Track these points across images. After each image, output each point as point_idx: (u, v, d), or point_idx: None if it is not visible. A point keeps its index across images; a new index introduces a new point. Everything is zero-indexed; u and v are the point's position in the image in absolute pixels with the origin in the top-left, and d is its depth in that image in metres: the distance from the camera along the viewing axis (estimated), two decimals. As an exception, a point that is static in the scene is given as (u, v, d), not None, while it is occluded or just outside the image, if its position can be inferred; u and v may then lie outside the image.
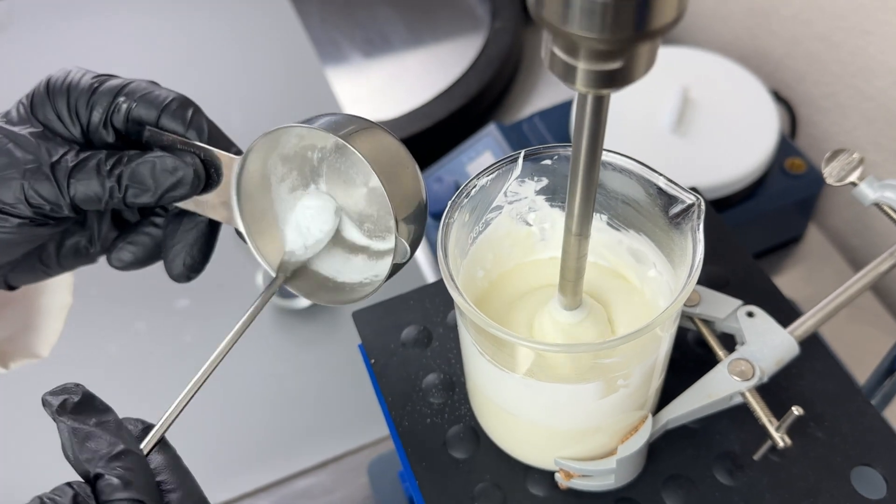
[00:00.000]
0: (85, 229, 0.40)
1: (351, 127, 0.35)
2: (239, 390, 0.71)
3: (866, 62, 0.74)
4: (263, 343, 0.74)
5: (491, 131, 0.75)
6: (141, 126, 0.37)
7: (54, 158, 0.35)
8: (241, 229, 0.38)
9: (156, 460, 0.32)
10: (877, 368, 0.52)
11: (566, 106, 0.76)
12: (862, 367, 0.65)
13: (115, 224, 0.41)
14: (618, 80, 0.24)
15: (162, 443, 0.33)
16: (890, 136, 0.74)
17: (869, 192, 0.45)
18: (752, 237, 0.74)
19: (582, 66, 0.24)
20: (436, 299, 0.49)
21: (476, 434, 0.43)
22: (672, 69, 0.74)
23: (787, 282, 0.75)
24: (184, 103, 0.37)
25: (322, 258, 0.40)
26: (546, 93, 0.89)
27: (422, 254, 0.78)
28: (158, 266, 0.43)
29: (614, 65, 0.24)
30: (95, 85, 0.36)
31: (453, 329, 0.48)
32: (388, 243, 0.39)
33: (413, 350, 0.47)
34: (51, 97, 0.36)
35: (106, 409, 0.32)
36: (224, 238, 0.42)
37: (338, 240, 0.40)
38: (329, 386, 0.70)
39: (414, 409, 0.44)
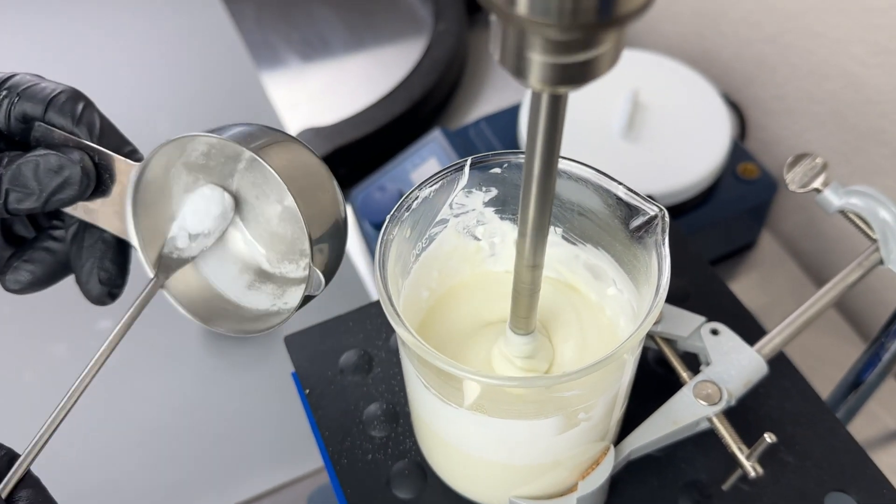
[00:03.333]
0: None
1: (265, 139, 0.31)
2: (164, 419, 0.66)
3: (816, 64, 0.72)
4: (190, 368, 0.69)
5: (436, 137, 0.71)
6: (27, 124, 0.33)
7: None
8: (134, 243, 0.34)
9: (22, 499, 0.28)
10: (841, 382, 0.50)
11: (514, 110, 0.73)
12: (821, 379, 0.63)
13: (7, 241, 0.36)
14: (578, 75, 0.21)
15: (28, 476, 0.29)
16: (841, 139, 0.73)
17: (833, 198, 0.43)
18: (704, 245, 0.71)
19: (536, 58, 0.20)
20: (377, 320, 0.45)
21: (423, 471, 0.39)
22: (621, 72, 0.71)
23: (742, 290, 0.72)
24: (73, 96, 0.33)
25: (226, 280, 0.35)
26: (493, 97, 0.86)
27: (364, 269, 0.73)
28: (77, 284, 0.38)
29: (574, 58, 0.20)
30: None
31: (396, 353, 0.44)
32: (301, 269, 0.35)
33: (352, 377, 0.43)
34: None
35: None
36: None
37: (245, 263, 0.35)
38: (263, 411, 0.65)
39: (354, 445, 0.40)
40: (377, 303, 0.46)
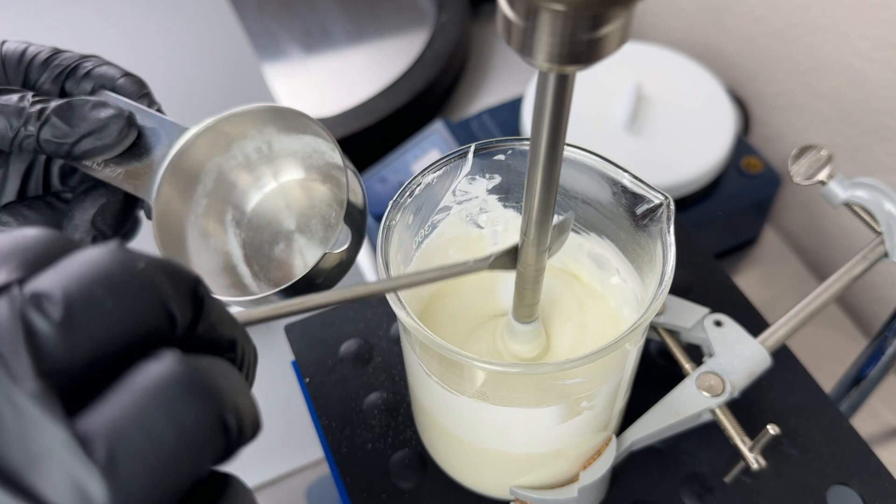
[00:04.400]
0: None
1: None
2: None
3: (820, 60, 0.72)
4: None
5: (438, 129, 0.71)
6: (94, 91, 0.34)
7: None
8: (151, 202, 0.34)
9: None
10: (843, 377, 0.50)
11: (516, 103, 0.72)
12: (822, 375, 0.63)
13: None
14: (585, 54, 0.21)
15: None
16: (844, 135, 0.73)
17: (839, 190, 0.42)
18: (708, 239, 0.71)
19: (543, 36, 0.20)
20: (379, 309, 0.45)
21: (423, 460, 0.39)
22: (625, 64, 0.71)
23: (744, 286, 0.72)
24: (141, 81, 0.35)
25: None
26: (496, 89, 0.86)
27: (364, 259, 0.73)
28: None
29: (582, 36, 0.20)
30: (55, 52, 0.35)
31: (397, 343, 0.43)
32: (318, 247, 0.35)
33: (352, 367, 0.42)
34: (4, 65, 0.34)
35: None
36: (142, 240, 0.37)
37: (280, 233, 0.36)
38: (263, 402, 0.65)
39: (353, 434, 0.40)
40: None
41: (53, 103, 0.32)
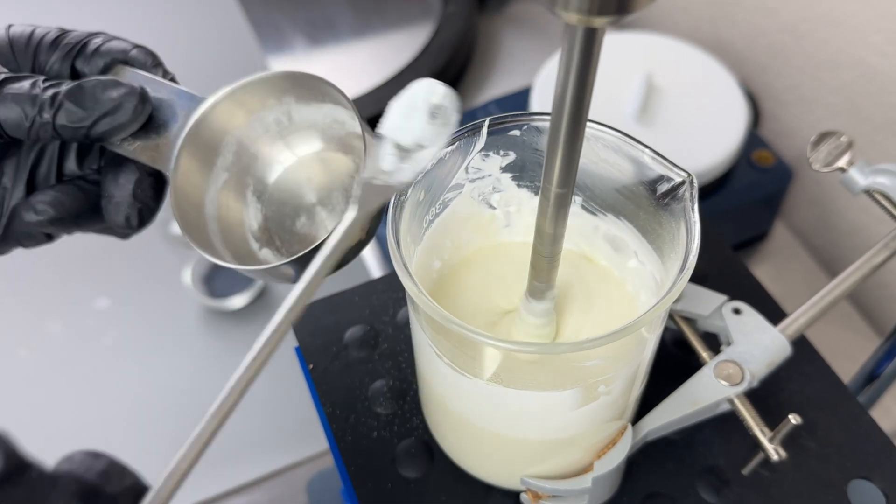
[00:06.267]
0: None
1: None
2: (163, 400, 0.64)
3: (832, 54, 0.71)
4: (190, 347, 0.67)
5: (444, 119, 0.70)
6: (106, 68, 0.34)
7: None
8: (168, 174, 0.33)
9: None
10: (858, 373, 0.49)
11: (524, 94, 0.71)
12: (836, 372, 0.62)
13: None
14: (616, 4, 0.19)
15: None
16: (855, 130, 0.72)
17: (859, 178, 0.41)
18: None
19: (574, -16, 0.19)
20: (384, 296, 0.44)
21: (430, 449, 0.38)
22: (635, 53, 0.70)
23: (754, 281, 0.71)
24: (152, 53, 0.35)
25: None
26: (502, 81, 0.85)
27: (367, 249, 0.72)
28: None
29: (615, -16, 0.19)
30: (62, 32, 0.34)
31: (403, 329, 0.42)
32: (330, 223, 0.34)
33: (358, 353, 0.41)
34: (13, 49, 0.33)
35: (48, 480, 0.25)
36: (146, 234, 0.36)
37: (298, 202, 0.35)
38: (264, 394, 0.63)
39: (358, 422, 0.39)
40: (384, 278, 0.44)
41: (65, 87, 0.31)
